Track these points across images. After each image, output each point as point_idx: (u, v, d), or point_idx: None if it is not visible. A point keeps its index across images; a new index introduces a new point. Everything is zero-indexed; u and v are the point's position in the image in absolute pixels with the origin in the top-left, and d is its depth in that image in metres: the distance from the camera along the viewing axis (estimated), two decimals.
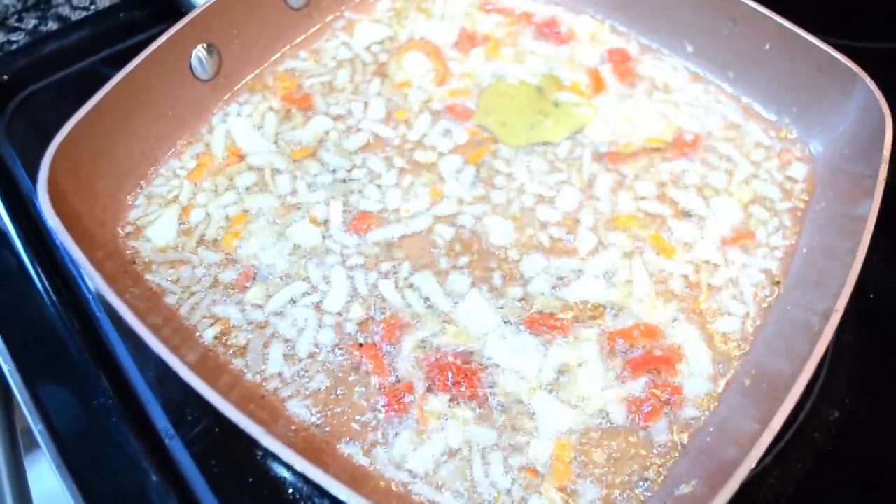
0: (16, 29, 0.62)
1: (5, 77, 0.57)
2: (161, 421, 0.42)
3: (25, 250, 0.48)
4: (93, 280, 0.39)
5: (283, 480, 0.40)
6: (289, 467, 0.35)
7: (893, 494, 0.41)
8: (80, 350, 0.44)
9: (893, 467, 0.42)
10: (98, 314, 0.46)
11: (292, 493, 0.40)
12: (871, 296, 0.46)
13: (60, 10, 0.64)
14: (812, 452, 0.42)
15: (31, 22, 0.63)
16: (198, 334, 0.43)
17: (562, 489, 0.39)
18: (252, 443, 0.34)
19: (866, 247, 0.40)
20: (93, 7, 0.64)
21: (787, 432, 0.42)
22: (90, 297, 0.47)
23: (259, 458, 0.40)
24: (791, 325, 0.42)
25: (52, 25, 0.63)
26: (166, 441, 0.42)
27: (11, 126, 0.55)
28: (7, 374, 0.44)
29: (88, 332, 0.45)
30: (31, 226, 0.50)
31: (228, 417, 0.34)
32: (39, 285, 0.47)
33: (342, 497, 0.32)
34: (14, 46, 0.61)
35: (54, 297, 0.47)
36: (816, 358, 0.36)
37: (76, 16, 0.63)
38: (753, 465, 0.33)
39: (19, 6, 0.64)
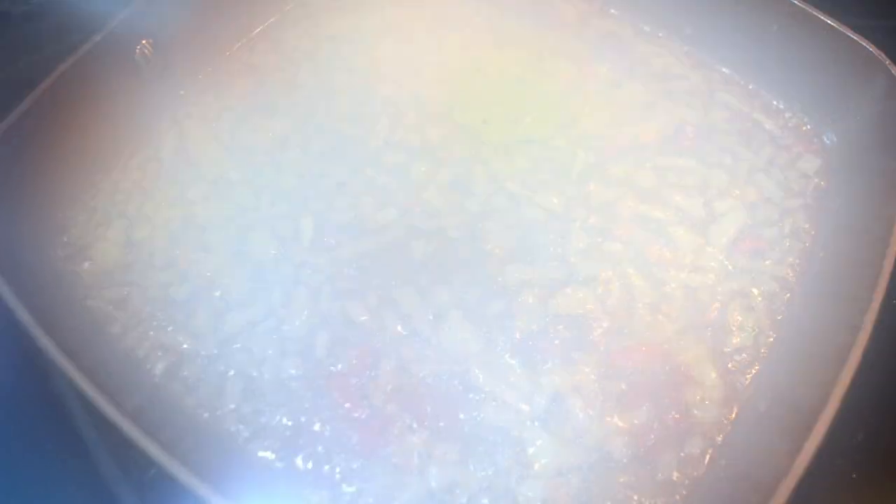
0: None
1: None
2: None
3: None
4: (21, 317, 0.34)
5: None
6: None
7: None
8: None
9: None
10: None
11: None
12: None
13: None
14: (834, 482, 0.38)
15: None
16: (147, 367, 0.38)
17: None
18: None
19: (895, 253, 0.35)
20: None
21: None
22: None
23: None
24: (811, 342, 0.37)
25: None
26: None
27: None
28: None
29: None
30: None
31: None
32: None
33: None
34: None
35: None
36: (843, 384, 0.32)
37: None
38: None
39: None
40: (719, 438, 0.37)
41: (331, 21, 0.52)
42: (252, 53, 0.51)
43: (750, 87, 0.49)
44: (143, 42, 0.46)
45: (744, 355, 0.39)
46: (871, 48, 0.42)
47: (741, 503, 0.32)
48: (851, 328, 0.34)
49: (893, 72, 0.41)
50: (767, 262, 0.42)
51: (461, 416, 0.37)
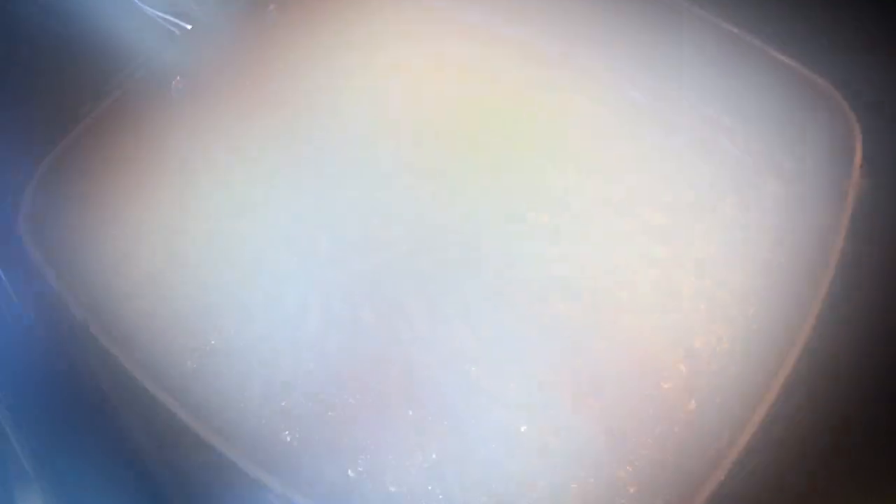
0: None
1: None
2: None
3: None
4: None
5: None
6: None
7: None
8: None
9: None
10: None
11: None
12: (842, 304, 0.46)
13: None
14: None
15: None
16: (180, 361, 0.43)
17: None
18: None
19: (836, 257, 0.40)
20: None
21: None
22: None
23: None
24: (764, 337, 0.42)
25: None
26: None
27: None
28: None
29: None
30: None
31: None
32: None
33: None
34: None
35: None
36: (786, 370, 0.37)
37: None
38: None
39: None
40: (684, 422, 0.42)
41: (344, 57, 0.58)
42: (273, 87, 0.56)
43: (716, 115, 0.54)
44: (178, 78, 0.52)
45: (702, 357, 0.44)
46: (819, 79, 0.47)
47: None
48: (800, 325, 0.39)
49: (838, 99, 0.47)
50: (732, 269, 0.47)
51: (458, 405, 0.42)
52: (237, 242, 0.49)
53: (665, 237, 0.49)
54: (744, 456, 0.39)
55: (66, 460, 0.43)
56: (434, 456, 0.41)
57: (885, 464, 0.41)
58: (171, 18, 0.53)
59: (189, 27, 0.52)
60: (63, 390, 0.43)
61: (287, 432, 0.41)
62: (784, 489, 0.41)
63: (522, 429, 0.41)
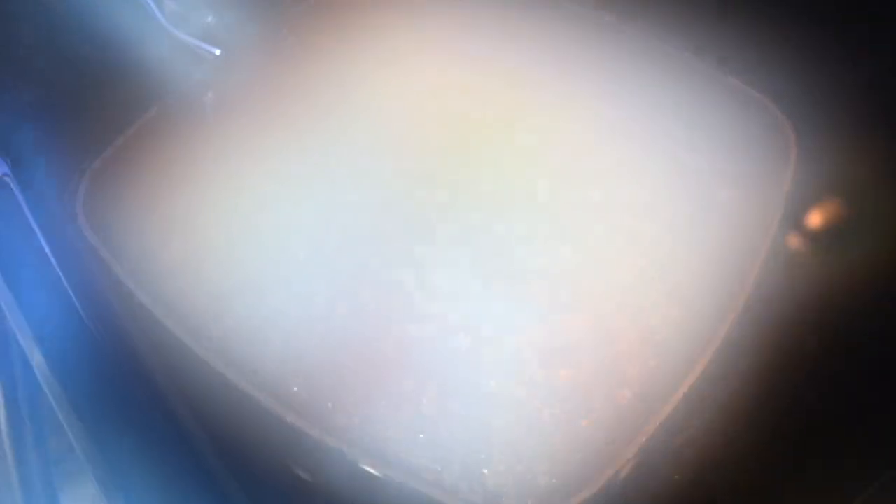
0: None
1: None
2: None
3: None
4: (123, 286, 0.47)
5: None
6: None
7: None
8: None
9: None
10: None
11: None
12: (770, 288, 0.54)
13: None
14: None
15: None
16: (206, 331, 0.51)
17: (511, 462, 0.46)
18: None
19: (769, 243, 0.48)
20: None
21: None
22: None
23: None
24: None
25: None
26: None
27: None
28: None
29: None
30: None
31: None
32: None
33: None
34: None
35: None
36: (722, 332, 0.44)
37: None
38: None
39: None
40: (636, 387, 0.49)
41: (351, 79, 0.66)
42: (289, 104, 0.64)
43: (673, 132, 0.62)
44: (209, 95, 0.60)
45: (659, 329, 0.52)
46: (761, 97, 0.55)
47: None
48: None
49: (777, 113, 0.54)
50: (681, 262, 0.55)
51: (447, 367, 0.50)
52: (258, 233, 0.56)
53: (633, 234, 0.56)
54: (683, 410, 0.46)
55: (110, 424, 0.51)
56: (425, 406, 0.48)
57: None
58: (202, 44, 0.61)
59: (217, 52, 0.60)
60: (111, 353, 0.51)
61: (299, 386, 0.48)
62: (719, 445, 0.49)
63: (492, 384, 0.49)
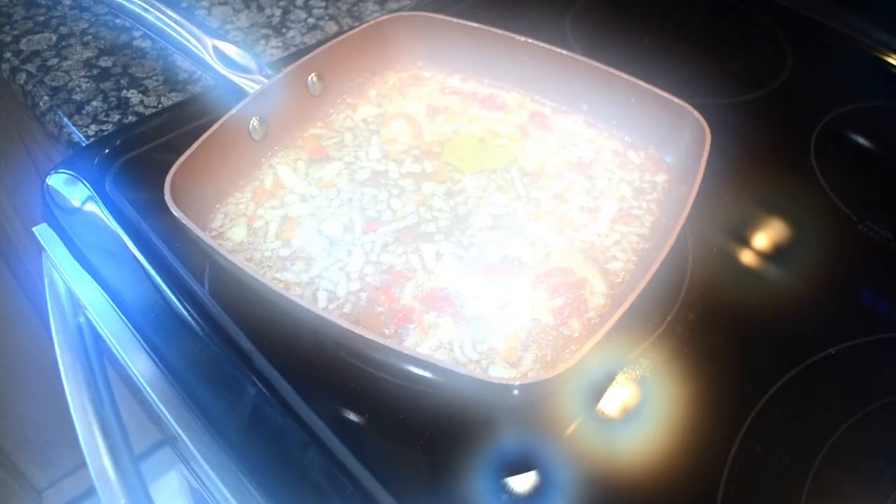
0: (105, 122, 0.86)
1: (106, 151, 0.81)
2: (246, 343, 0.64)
3: (141, 255, 0.71)
4: (206, 245, 0.61)
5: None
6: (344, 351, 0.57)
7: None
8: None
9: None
10: (196, 288, 0.68)
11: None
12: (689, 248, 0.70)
13: (136, 108, 0.88)
14: (676, 339, 0.65)
15: (115, 118, 0.87)
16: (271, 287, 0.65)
17: (510, 362, 0.61)
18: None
19: (688, 212, 0.64)
20: (160, 106, 0.88)
21: (660, 328, 0.66)
22: (186, 277, 0.69)
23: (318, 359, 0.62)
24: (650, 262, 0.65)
25: (132, 119, 0.87)
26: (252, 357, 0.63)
27: (116, 182, 0.78)
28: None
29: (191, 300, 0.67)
30: (143, 242, 0.72)
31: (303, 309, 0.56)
32: (155, 276, 0.69)
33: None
34: (105, 133, 0.85)
35: (166, 282, 0.69)
36: (652, 271, 0.59)
37: (149, 112, 0.87)
38: (612, 323, 0.55)
39: (105, 107, 0.88)
40: (603, 312, 0.64)
41: (363, 110, 0.83)
42: (315, 128, 0.81)
43: (622, 136, 0.79)
44: (254, 118, 0.75)
45: (619, 272, 0.67)
46: (685, 104, 0.73)
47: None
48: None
49: (696, 115, 0.71)
50: (634, 228, 0.71)
51: (455, 305, 0.65)
52: (302, 219, 0.72)
53: (590, 213, 0.73)
54: None
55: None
56: (436, 323, 0.63)
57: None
58: (245, 79, 0.77)
59: (258, 86, 0.76)
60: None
61: (345, 317, 0.63)
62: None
63: (495, 319, 0.64)
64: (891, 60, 0.97)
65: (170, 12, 0.80)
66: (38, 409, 1.50)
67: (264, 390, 0.61)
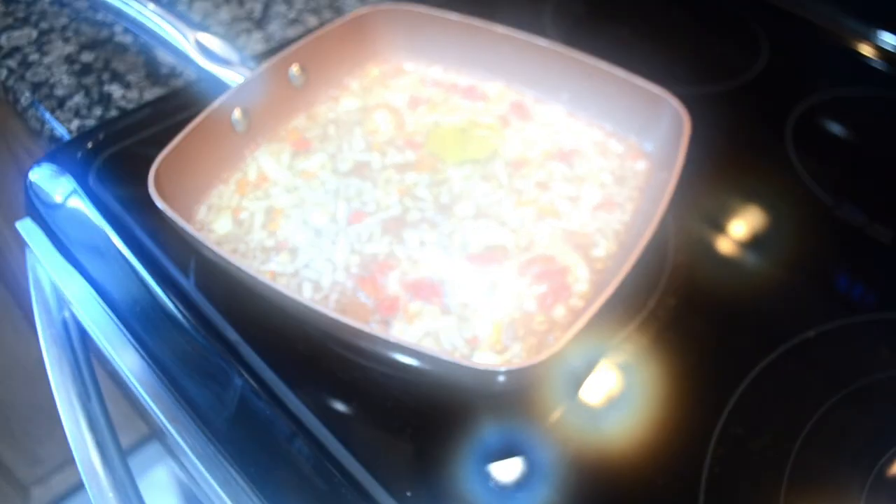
0: (87, 117, 0.86)
1: (89, 145, 0.81)
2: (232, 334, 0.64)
3: (125, 247, 0.71)
4: (192, 238, 0.62)
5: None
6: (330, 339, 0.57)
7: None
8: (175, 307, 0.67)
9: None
10: (181, 280, 0.68)
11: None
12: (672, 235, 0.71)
13: (118, 103, 0.88)
14: (659, 323, 0.66)
15: (97, 112, 0.87)
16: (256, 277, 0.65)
17: (495, 349, 0.62)
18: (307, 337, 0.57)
19: (668, 199, 0.65)
20: (142, 100, 0.88)
21: (643, 313, 0.67)
22: (171, 269, 0.69)
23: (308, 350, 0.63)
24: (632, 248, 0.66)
25: (114, 113, 0.87)
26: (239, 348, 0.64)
27: (100, 176, 0.78)
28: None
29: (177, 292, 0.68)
30: (127, 234, 0.72)
31: (293, 300, 0.57)
32: (140, 268, 0.70)
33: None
34: (87, 127, 0.85)
35: (151, 274, 0.69)
36: (634, 257, 0.60)
37: (131, 107, 0.87)
38: (596, 309, 0.56)
39: (87, 102, 0.88)
40: (587, 298, 0.65)
41: (346, 102, 0.83)
42: (299, 120, 0.81)
43: (602, 124, 0.80)
44: (237, 111, 0.75)
45: (601, 259, 0.68)
46: (663, 92, 0.73)
47: None
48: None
49: (675, 104, 0.72)
50: (615, 215, 0.72)
51: (440, 293, 0.65)
52: (287, 211, 0.72)
53: (572, 201, 0.73)
54: None
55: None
56: (421, 311, 0.63)
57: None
58: (228, 71, 0.77)
59: (241, 79, 0.76)
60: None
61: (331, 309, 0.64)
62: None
63: (481, 307, 0.65)
64: (863, 49, 0.98)
65: (151, 6, 0.80)
66: (23, 406, 1.49)
67: (251, 381, 0.61)
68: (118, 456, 0.71)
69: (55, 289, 0.76)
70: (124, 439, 0.75)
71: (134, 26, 0.81)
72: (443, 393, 0.61)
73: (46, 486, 1.65)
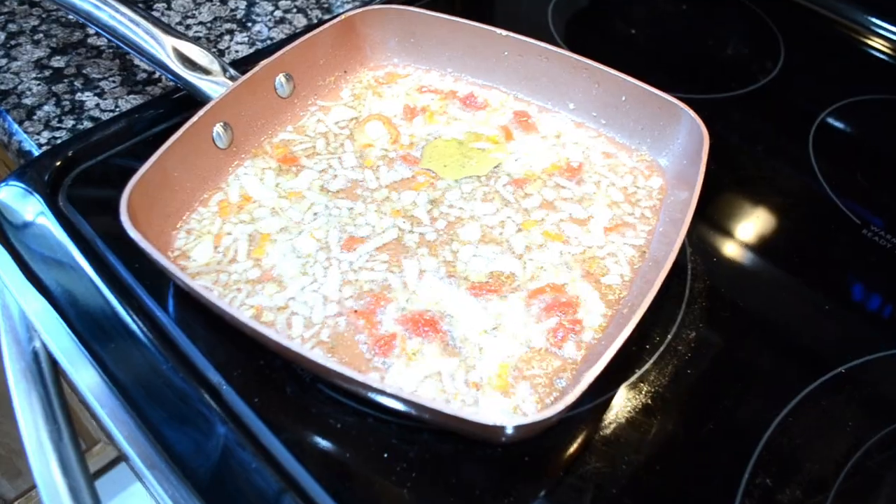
0: (58, 128, 0.80)
1: (58, 162, 0.75)
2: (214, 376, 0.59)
3: (97, 275, 0.65)
4: (168, 272, 0.56)
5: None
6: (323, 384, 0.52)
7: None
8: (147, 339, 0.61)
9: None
10: (158, 312, 0.63)
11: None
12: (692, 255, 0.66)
13: (92, 112, 0.82)
14: (678, 360, 0.61)
15: (69, 123, 0.81)
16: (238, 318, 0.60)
17: (503, 392, 0.57)
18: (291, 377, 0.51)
19: (689, 220, 0.60)
20: (118, 109, 0.82)
21: (661, 347, 0.61)
22: (147, 301, 0.63)
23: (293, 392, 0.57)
24: (650, 279, 0.61)
25: (88, 124, 0.81)
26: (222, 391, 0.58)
27: (70, 196, 0.72)
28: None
29: (153, 327, 0.62)
30: (98, 261, 0.67)
31: (275, 341, 0.51)
32: (112, 299, 0.64)
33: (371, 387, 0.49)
34: (59, 140, 0.79)
35: (124, 306, 0.63)
36: (654, 290, 0.55)
37: (105, 117, 0.81)
38: (614, 353, 0.51)
39: (58, 111, 0.82)
40: (601, 332, 0.60)
41: (336, 113, 0.77)
42: (285, 133, 0.75)
43: (613, 136, 0.75)
44: (218, 125, 0.70)
45: (615, 287, 0.63)
46: (679, 103, 0.68)
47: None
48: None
49: (693, 115, 0.67)
50: (628, 237, 0.67)
51: (440, 330, 0.60)
52: (273, 236, 0.66)
53: (581, 222, 0.68)
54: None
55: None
56: (421, 350, 0.58)
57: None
58: (208, 81, 0.71)
59: (222, 89, 0.71)
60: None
61: (322, 346, 0.58)
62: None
63: (484, 342, 0.59)
64: (885, 48, 0.93)
65: (124, 9, 0.73)
66: (3, 419, 1.44)
67: (235, 429, 0.55)
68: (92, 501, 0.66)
69: (24, 317, 0.71)
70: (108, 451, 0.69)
71: (106, 31, 0.75)
72: (446, 441, 0.55)
73: (28, 500, 1.60)
